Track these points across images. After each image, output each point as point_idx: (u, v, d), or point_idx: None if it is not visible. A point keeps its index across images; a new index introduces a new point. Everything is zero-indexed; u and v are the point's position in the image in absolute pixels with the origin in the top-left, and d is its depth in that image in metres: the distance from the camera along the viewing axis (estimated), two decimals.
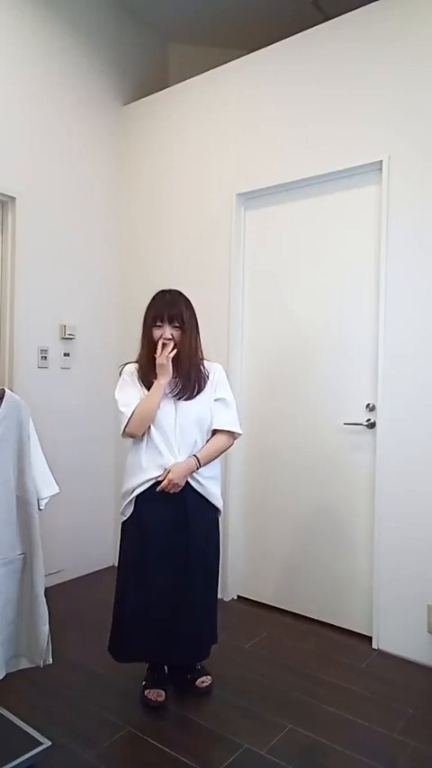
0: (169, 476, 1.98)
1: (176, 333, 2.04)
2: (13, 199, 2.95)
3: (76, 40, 3.26)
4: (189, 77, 3.26)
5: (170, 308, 2.04)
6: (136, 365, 2.13)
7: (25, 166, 3.01)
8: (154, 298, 2.11)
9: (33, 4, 3.03)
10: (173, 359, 2.03)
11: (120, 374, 2.16)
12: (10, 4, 2.92)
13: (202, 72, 3.19)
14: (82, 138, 3.31)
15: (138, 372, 2.10)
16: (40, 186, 3.08)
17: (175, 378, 2.05)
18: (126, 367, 2.16)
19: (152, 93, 3.48)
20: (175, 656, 2.07)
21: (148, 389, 2.05)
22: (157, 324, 2.05)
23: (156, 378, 2.03)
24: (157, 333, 2.04)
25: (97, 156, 3.42)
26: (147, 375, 2.07)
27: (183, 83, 3.30)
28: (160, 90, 3.46)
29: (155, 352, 2.04)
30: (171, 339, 2.03)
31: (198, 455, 2.03)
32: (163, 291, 2.12)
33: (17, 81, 2.96)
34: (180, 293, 2.12)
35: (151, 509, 2.01)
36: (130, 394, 2.06)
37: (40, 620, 1.67)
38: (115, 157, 3.53)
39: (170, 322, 2.03)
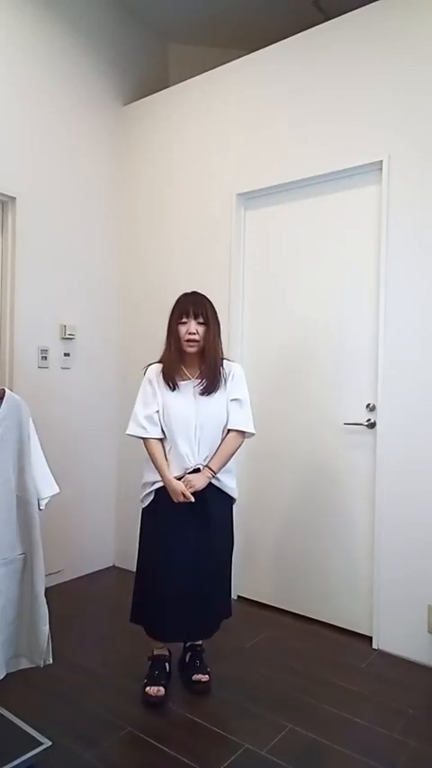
0: (188, 495, 2.04)
1: (201, 329, 2.11)
2: (13, 199, 2.95)
3: (76, 40, 3.26)
4: (189, 77, 3.26)
5: (195, 306, 2.12)
6: (160, 365, 2.17)
7: (25, 166, 3.01)
8: (178, 299, 2.17)
9: (33, 4, 3.03)
10: (198, 354, 2.12)
11: (144, 373, 2.21)
12: (10, 4, 2.92)
13: (202, 72, 3.19)
14: (82, 138, 3.31)
15: (162, 375, 2.15)
16: (40, 186, 3.08)
17: (200, 374, 2.12)
18: (150, 368, 2.20)
19: (152, 94, 3.48)
20: (189, 629, 2.15)
21: (171, 388, 2.12)
22: (183, 320, 2.11)
23: (178, 379, 2.12)
24: (182, 329, 2.11)
25: (97, 156, 3.42)
26: (170, 373, 2.13)
27: (183, 83, 3.29)
28: (160, 90, 3.46)
29: (179, 348, 2.12)
30: (195, 334, 2.09)
31: (212, 466, 2.10)
32: (187, 293, 2.20)
33: (17, 81, 2.96)
34: (203, 295, 2.19)
35: (170, 499, 2.08)
36: (148, 406, 2.13)
37: (40, 620, 1.67)
38: (115, 157, 3.53)
39: (195, 317, 2.10)
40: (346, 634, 2.65)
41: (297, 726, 1.95)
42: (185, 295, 2.18)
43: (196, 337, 2.09)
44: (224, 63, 3.10)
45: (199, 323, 2.10)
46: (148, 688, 2.09)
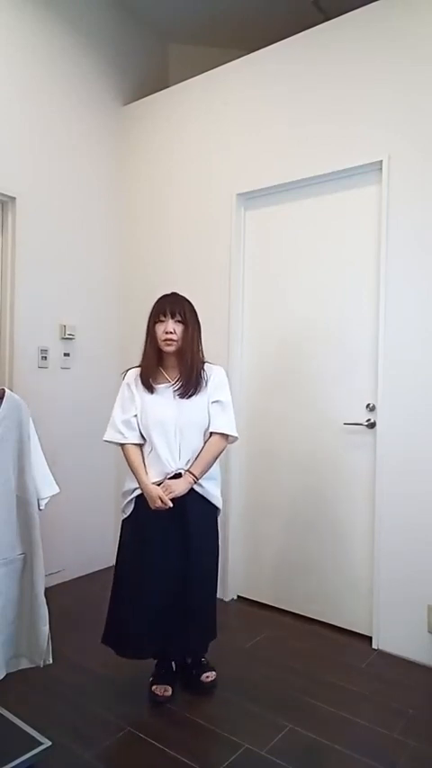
0: (166, 500, 1.98)
1: (179, 328, 2.07)
2: (13, 199, 2.95)
3: (76, 40, 3.26)
4: (189, 77, 3.26)
5: (172, 305, 2.09)
6: (138, 370, 2.14)
7: (25, 166, 3.01)
8: (156, 300, 2.14)
9: (33, 4, 3.03)
10: (177, 355, 2.08)
11: (123, 378, 2.17)
12: (10, 4, 2.92)
13: (202, 72, 3.19)
14: (82, 138, 3.31)
15: (140, 377, 2.11)
16: (40, 186, 3.08)
17: (179, 377, 2.08)
18: (128, 372, 2.17)
19: (152, 93, 3.48)
20: (173, 650, 2.10)
21: (147, 390, 2.08)
22: (160, 319, 2.08)
23: (155, 383, 2.09)
24: (160, 328, 2.07)
25: (97, 156, 3.42)
26: (149, 376, 2.09)
27: (183, 83, 3.29)
28: (160, 90, 3.46)
29: (157, 349, 2.08)
30: (173, 333, 2.05)
31: (194, 471, 2.04)
32: (165, 294, 2.16)
33: (17, 81, 2.96)
34: (182, 295, 2.16)
35: (151, 508, 2.02)
36: (125, 410, 2.10)
37: (40, 620, 1.67)
38: (115, 157, 3.53)
39: (173, 316, 2.07)
40: (346, 634, 2.65)
41: (297, 726, 1.94)
42: (164, 296, 2.14)
43: (174, 336, 2.04)
44: (224, 63, 3.10)
45: (177, 321, 2.06)
46: (154, 687, 2.09)
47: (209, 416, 2.09)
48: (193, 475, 2.03)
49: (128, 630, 2.03)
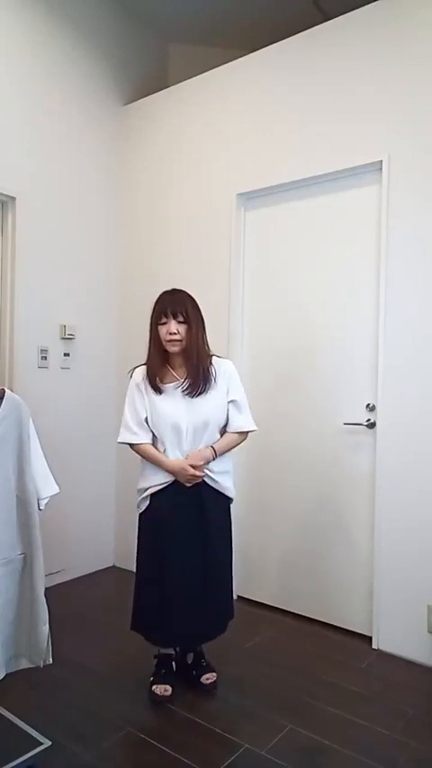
0: (191, 469, 2.01)
1: (182, 328, 2.06)
2: (13, 199, 2.95)
3: (76, 40, 3.26)
4: (189, 77, 3.26)
5: (174, 305, 2.07)
6: (145, 368, 2.14)
7: (25, 166, 3.01)
8: (158, 298, 2.12)
9: (33, 3, 3.03)
10: (183, 353, 2.08)
11: (130, 377, 2.17)
12: (10, 4, 2.92)
13: (202, 72, 3.19)
14: (82, 138, 3.31)
15: (147, 378, 2.11)
16: (40, 186, 3.08)
17: (185, 375, 2.08)
18: (136, 371, 2.16)
19: (152, 93, 3.48)
20: (195, 633, 2.13)
21: (155, 391, 2.08)
22: (162, 320, 2.06)
23: (162, 383, 2.09)
24: (162, 329, 2.06)
25: (97, 156, 3.42)
26: (154, 376, 2.09)
27: (183, 83, 3.29)
28: (160, 90, 3.46)
29: (162, 349, 2.08)
30: (176, 333, 2.04)
31: (214, 446, 2.08)
32: (166, 291, 2.14)
33: (17, 81, 2.96)
34: (184, 291, 2.14)
35: (166, 501, 2.07)
36: (136, 411, 2.10)
37: (40, 620, 1.67)
38: (115, 157, 3.53)
39: (174, 317, 2.05)
40: (347, 634, 2.65)
41: (297, 726, 1.94)
42: (165, 294, 2.11)
43: (177, 337, 2.04)
44: (224, 63, 3.10)
45: (179, 322, 2.04)
46: (155, 687, 2.09)
47: (224, 414, 2.12)
48: (213, 450, 2.07)
49: (154, 617, 2.07)
